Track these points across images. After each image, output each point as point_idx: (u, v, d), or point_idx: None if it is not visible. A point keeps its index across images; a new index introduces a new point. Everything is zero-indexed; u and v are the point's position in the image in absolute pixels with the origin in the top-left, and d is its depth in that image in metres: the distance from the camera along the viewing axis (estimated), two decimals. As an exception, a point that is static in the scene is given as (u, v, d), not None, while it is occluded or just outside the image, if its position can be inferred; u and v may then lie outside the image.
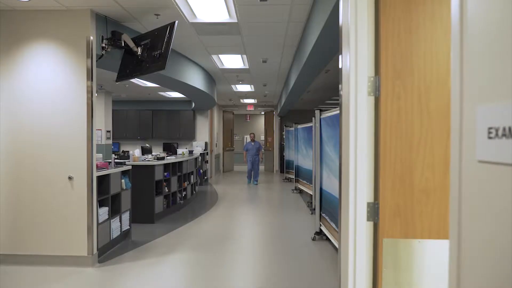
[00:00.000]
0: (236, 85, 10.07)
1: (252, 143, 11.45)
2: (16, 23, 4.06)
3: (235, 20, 4.68)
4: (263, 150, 12.85)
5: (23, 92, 4.07)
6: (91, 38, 4.03)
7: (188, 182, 8.12)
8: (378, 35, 1.87)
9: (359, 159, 1.90)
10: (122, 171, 4.99)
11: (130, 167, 5.28)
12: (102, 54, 4.26)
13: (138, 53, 4.29)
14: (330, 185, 4.91)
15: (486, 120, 0.76)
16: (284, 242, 5.21)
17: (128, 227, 5.15)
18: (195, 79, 7.24)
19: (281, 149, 15.14)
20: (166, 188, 6.74)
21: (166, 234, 5.51)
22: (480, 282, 0.79)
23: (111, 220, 4.62)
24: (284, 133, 13.12)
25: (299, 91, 8.69)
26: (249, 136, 12.35)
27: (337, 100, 2.24)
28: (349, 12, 1.92)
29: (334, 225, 4.64)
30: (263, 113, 16.70)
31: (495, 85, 0.74)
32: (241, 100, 13.76)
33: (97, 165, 4.32)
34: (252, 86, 10.18)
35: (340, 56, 2.11)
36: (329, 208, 4.98)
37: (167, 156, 7.72)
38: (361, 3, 1.89)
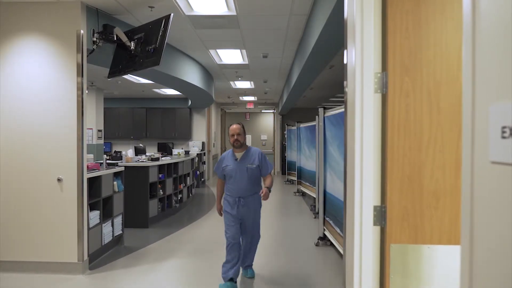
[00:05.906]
0: (235, 82, 10.08)
1: (236, 155, 4.11)
2: (1, 15, 4.05)
3: (234, 13, 4.68)
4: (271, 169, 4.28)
5: (8, 88, 4.06)
6: (82, 31, 4.03)
7: (184, 184, 8.12)
8: (385, 29, 1.87)
9: (365, 160, 1.90)
10: (114, 173, 4.99)
11: (122, 169, 5.29)
12: (93, 48, 4.26)
13: (131, 47, 4.29)
14: (335, 188, 4.91)
15: (500, 119, 0.76)
16: (286, 247, 5.21)
17: (121, 232, 5.16)
18: (192, 75, 7.24)
19: (283, 149, 15.14)
20: (161, 190, 6.74)
21: (160, 239, 5.52)
22: (493, 290, 0.79)
23: (103, 225, 4.62)
24: (285, 132, 13.12)
25: (302, 88, 8.69)
26: (229, 135, 4.02)
27: (342, 97, 2.24)
28: (354, 4, 1.92)
29: (338, 230, 4.64)
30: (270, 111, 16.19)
31: (509, 82, 0.74)
32: (241, 98, 13.76)
33: (87, 166, 4.32)
34: (252, 82, 10.18)
35: (345, 51, 2.11)
36: (333, 212, 4.98)
37: (162, 156, 7.72)
38: (367, -6, 1.89)
